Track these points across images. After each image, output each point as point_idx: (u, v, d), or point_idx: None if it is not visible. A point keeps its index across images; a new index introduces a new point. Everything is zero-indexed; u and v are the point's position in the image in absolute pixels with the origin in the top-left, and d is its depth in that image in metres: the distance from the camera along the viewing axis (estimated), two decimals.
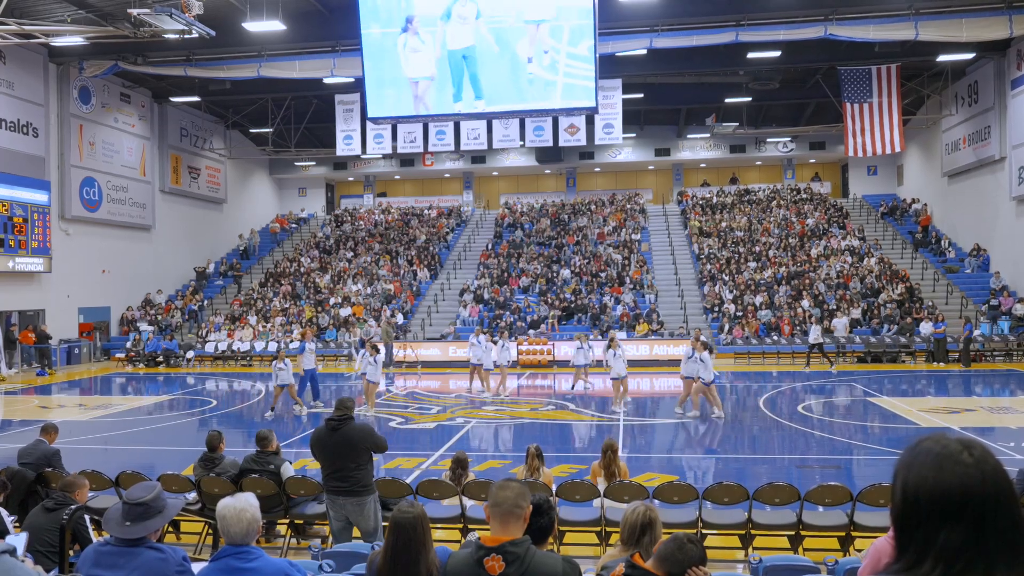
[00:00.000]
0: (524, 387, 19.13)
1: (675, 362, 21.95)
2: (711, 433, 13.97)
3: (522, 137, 25.56)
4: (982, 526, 1.36)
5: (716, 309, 26.65)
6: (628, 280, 28.91)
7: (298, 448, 12.43)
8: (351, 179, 42.49)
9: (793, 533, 6.95)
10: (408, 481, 8.13)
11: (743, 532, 6.98)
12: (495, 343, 17.70)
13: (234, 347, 26.50)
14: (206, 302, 31.30)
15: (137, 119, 29.69)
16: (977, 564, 1.35)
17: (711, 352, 14.73)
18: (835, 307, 25.59)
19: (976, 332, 23.48)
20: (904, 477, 1.45)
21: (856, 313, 25.08)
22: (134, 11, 17.62)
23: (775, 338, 24.43)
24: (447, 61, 17.12)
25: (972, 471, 1.39)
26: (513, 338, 24.04)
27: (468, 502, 7.26)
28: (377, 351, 15.71)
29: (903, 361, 22.97)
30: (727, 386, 20.25)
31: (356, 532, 6.40)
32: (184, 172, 32.59)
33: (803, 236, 31.38)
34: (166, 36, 19.17)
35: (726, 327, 25.15)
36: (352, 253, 34.16)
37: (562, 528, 7.05)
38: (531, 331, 24.18)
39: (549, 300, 27.68)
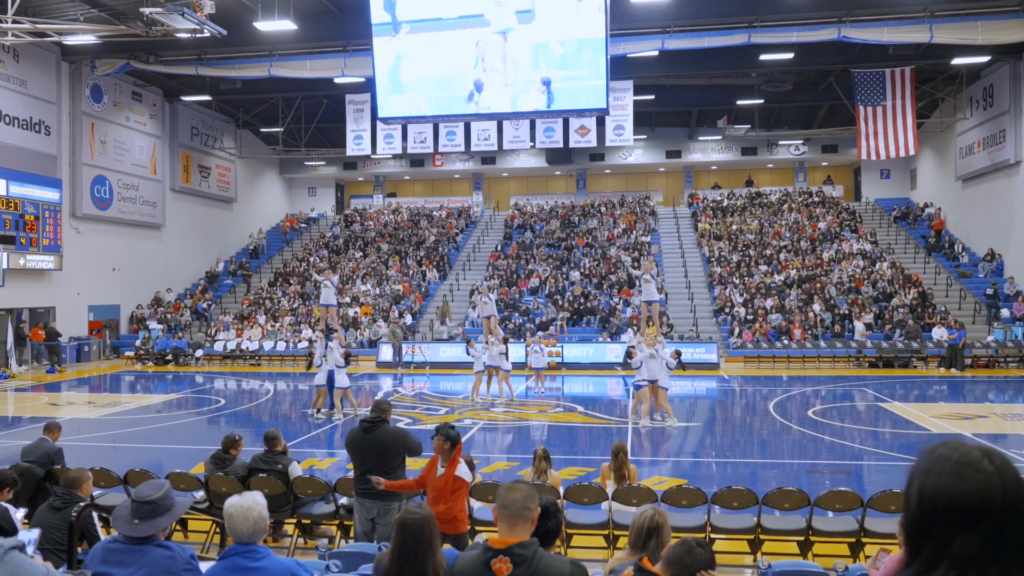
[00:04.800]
0: (532, 388, 19.12)
1: (686, 365, 21.94)
2: (720, 438, 13.92)
3: (532, 138, 25.56)
4: (999, 535, 1.34)
5: (726, 312, 26.56)
6: (638, 282, 28.86)
7: (305, 448, 12.47)
8: (361, 179, 42.58)
9: (802, 539, 6.91)
10: None
11: (752, 537, 6.95)
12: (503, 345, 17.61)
13: (243, 346, 26.60)
14: (215, 301, 31.44)
15: (148, 118, 29.87)
16: (991, 571, 1.33)
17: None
18: (847, 311, 25.46)
19: (989, 338, 23.31)
20: (921, 483, 1.43)
21: (868, 318, 24.94)
22: (146, 10, 17.73)
23: (785, 342, 24.33)
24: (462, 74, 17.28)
25: (993, 479, 1.37)
26: (522, 339, 24.04)
27: (475, 504, 7.26)
28: (348, 355, 15.44)
29: (915, 366, 22.82)
30: (737, 390, 20.19)
31: None
32: (194, 171, 32.76)
33: (815, 239, 31.24)
34: (178, 35, 19.27)
35: (736, 331, 25.07)
36: (361, 253, 34.23)
37: (570, 531, 7.04)
38: (540, 332, 24.17)
39: (558, 302, 27.66)
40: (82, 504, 5.23)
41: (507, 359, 17.11)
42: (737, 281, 28.35)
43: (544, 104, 17.65)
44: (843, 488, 7.15)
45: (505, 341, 17.56)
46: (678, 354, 14.70)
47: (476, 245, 34.58)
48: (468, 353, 17.78)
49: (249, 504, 3.27)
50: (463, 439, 12.79)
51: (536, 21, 16.65)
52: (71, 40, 21.97)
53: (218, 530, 7.36)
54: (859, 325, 24.20)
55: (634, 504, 6.99)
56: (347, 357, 15.23)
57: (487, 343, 17.39)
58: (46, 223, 24.68)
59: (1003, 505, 1.35)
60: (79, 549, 5.06)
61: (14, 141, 23.91)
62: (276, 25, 20.70)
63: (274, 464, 7.59)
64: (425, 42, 17.73)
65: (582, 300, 27.71)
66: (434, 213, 38.50)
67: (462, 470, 5.46)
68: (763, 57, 23.84)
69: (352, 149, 26.46)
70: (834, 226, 32.31)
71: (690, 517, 7.09)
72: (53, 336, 24.57)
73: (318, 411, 15.26)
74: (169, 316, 29.03)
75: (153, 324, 28.00)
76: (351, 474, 6.66)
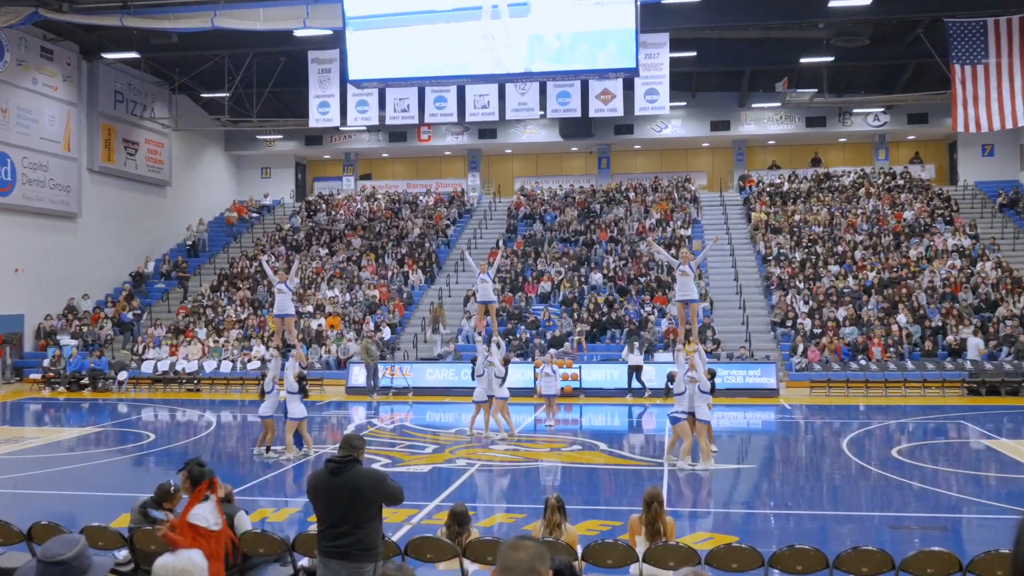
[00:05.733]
0: (542, 420, 19.11)
1: (736, 391, 21.93)
2: (779, 484, 13.87)
3: (543, 106, 25.56)
4: None
5: (787, 325, 26.52)
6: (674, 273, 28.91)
7: (256, 495, 12.46)
8: (327, 157, 42.65)
9: None
10: (395, 539, 8.12)
11: None
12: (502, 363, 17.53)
13: (178, 367, 26.64)
14: (144, 310, 31.50)
15: (61, 80, 29.99)
16: None
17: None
18: (940, 324, 25.41)
19: None
20: None
21: (967, 332, 24.87)
22: None
23: (862, 363, 24.29)
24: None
25: None
26: (529, 359, 24.05)
27: (471, 566, 7.25)
28: (302, 378, 15.19)
29: None
30: (801, 423, 20.13)
31: None
32: (118, 147, 32.87)
33: (899, 233, 31.20)
34: None
35: (799, 348, 25.03)
36: (327, 250, 34.28)
37: None
38: (552, 350, 24.16)
39: (575, 312, 27.67)
40: None
41: (503, 383, 17.02)
42: (801, 286, 28.31)
43: (555, 62, 17.79)
44: (937, 548, 7.11)
45: (506, 362, 17.39)
46: (712, 374, 14.56)
47: (472, 240, 34.62)
48: (473, 376, 17.57)
49: (184, 566, 3.27)
50: (457, 482, 12.84)
51: (532, 14, 17.36)
52: None
53: None
54: (974, 342, 24.02)
55: (671, 567, 6.97)
56: (301, 381, 15.07)
57: (486, 345, 17.29)
58: None
59: None
60: None
61: None
62: None
63: None
64: (411, 36, 18.30)
65: (605, 309, 27.72)
66: (419, 200, 38.54)
67: (199, 513, 5.90)
68: (833, 3, 23.84)
69: (316, 119, 26.50)
70: (924, 216, 32.26)
71: None
72: None
73: (268, 449, 15.21)
74: (86, 329, 29.09)
75: (66, 339, 28.03)
76: (313, 528, 6.65)
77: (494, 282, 18.98)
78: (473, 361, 17.74)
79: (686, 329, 15.22)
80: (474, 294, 21.52)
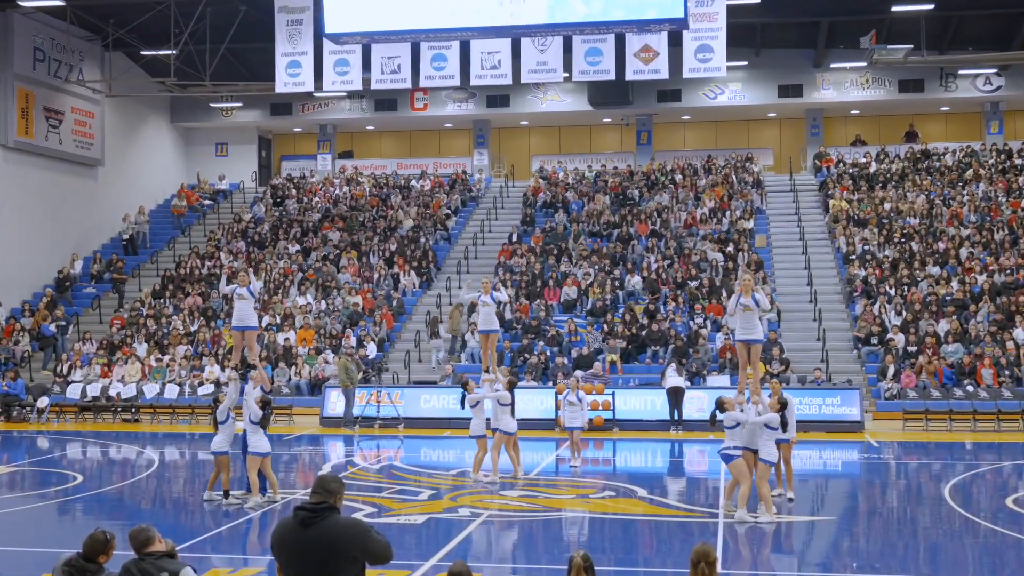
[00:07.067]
0: (566, 460, 19.10)
1: (811, 423, 21.83)
2: (863, 541, 13.82)
3: (567, 66, 25.53)
4: None
5: (874, 342, 26.40)
6: (734, 305, 28.74)
7: (207, 552, 12.49)
8: (298, 130, 42.72)
9: None
10: None
11: None
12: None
13: (112, 392, 26.71)
14: (69, 320, 31.59)
15: None
16: None
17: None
18: None
19: None
20: None
21: None
22: None
23: (969, 389, 24.15)
24: None
25: None
26: (549, 383, 24.00)
27: None
28: (267, 403, 15.19)
29: None
30: (891, 464, 20.02)
31: None
32: (38, 117, 32.98)
33: (1016, 225, 31.04)
34: None
35: (890, 370, 24.92)
36: (298, 246, 34.32)
37: None
38: (578, 373, 24.13)
39: (608, 324, 27.61)
40: None
41: (511, 413, 16.98)
42: (892, 292, 28.18)
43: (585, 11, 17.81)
44: None
45: (511, 386, 17.29)
46: (782, 406, 14.24)
47: (478, 234, 34.62)
48: (464, 405, 17.64)
49: None
50: (458, 536, 12.82)
51: None
52: None
53: None
54: None
55: None
56: (266, 407, 15.03)
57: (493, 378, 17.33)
58: None
59: None
60: None
61: None
62: None
63: (157, 572, 7.61)
64: None
65: (645, 321, 27.65)
66: (413, 183, 38.54)
67: None
68: None
69: (285, 83, 26.56)
70: None
71: None
72: None
73: (226, 494, 15.22)
74: None
75: None
76: None
77: (497, 304, 18.93)
78: (464, 386, 17.62)
79: (747, 377, 14.88)
80: (475, 327, 21.18)
